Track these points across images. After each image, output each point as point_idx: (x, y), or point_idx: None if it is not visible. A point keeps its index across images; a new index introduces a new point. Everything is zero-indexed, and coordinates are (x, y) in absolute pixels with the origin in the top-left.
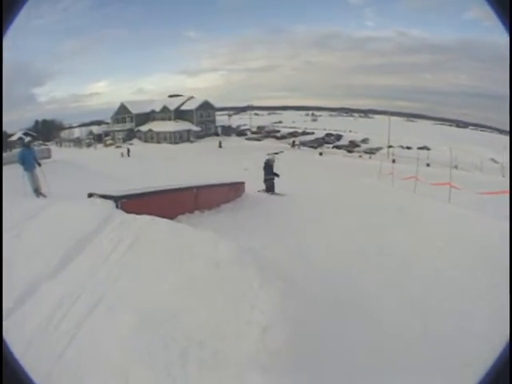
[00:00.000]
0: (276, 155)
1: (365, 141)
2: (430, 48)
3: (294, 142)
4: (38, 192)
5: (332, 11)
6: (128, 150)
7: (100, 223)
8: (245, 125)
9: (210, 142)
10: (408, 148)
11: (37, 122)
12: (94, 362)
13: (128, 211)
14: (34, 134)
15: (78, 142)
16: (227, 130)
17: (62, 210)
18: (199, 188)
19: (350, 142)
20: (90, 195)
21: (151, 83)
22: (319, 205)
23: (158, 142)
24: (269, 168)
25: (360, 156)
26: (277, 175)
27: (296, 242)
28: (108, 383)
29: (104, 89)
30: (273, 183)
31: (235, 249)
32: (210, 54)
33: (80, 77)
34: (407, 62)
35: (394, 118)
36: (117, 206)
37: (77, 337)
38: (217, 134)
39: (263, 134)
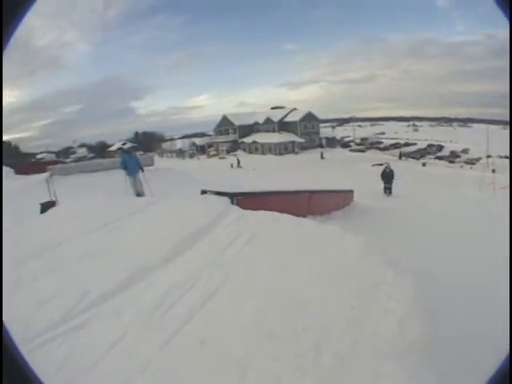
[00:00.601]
0: (381, 166)
1: (465, 151)
2: None
3: (400, 153)
4: (140, 196)
5: (421, 18)
6: (238, 161)
7: (215, 218)
8: (348, 136)
9: (315, 154)
10: (506, 157)
11: (137, 134)
12: (205, 351)
13: (244, 208)
14: (134, 144)
15: (180, 153)
16: (331, 142)
17: (172, 205)
18: (312, 193)
19: (451, 152)
20: (204, 192)
21: (252, 96)
22: (427, 213)
23: (263, 153)
24: (386, 175)
25: (461, 166)
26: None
27: (408, 246)
28: (222, 375)
29: (205, 102)
30: (390, 187)
31: (362, 243)
32: (310, 65)
33: (180, 90)
34: (497, 67)
35: (491, 127)
36: (232, 202)
37: (187, 326)
38: (321, 146)
39: (367, 145)
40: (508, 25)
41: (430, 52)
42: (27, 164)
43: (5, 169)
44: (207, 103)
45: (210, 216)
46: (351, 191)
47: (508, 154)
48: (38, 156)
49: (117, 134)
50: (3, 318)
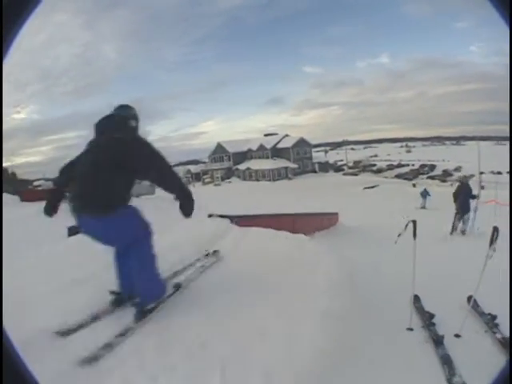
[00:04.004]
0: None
1: (458, 169)
2: None
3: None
4: None
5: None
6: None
7: (222, 231)
8: (341, 160)
9: (308, 179)
10: (498, 173)
11: None
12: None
13: (240, 226)
14: None
15: None
16: (324, 166)
17: (191, 223)
18: (297, 215)
19: (444, 171)
20: (210, 215)
21: (261, 121)
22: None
23: (257, 180)
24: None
25: (451, 185)
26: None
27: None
28: None
29: (211, 127)
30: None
31: (315, 244)
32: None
33: (194, 115)
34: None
35: (484, 143)
36: (231, 222)
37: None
38: (314, 171)
39: (360, 168)
40: (508, 27)
41: (428, 73)
42: (31, 191)
43: (7, 196)
44: (212, 129)
45: (218, 230)
46: (336, 214)
47: (500, 170)
48: (35, 183)
49: None
50: (3, 322)
